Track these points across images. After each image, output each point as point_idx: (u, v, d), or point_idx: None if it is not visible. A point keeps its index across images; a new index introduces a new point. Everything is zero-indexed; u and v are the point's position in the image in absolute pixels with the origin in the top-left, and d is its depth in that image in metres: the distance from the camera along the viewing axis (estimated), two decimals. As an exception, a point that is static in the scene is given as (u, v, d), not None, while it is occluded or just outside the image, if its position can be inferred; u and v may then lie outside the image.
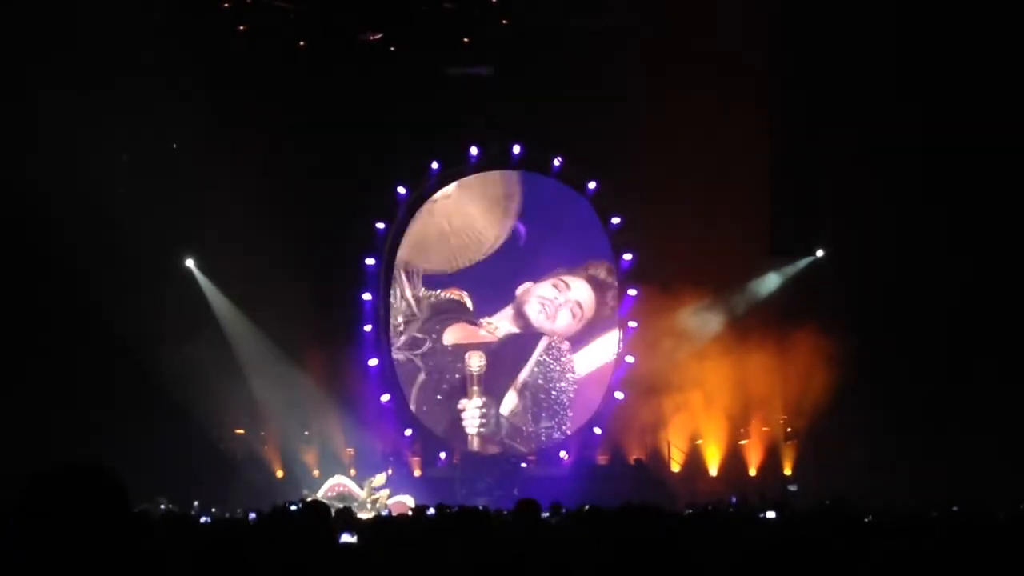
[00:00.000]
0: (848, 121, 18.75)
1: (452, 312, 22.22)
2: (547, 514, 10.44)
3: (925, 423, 18.57)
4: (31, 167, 17.03)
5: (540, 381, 21.86)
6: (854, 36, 18.36)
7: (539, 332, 21.95)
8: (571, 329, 22.00)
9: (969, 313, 18.66)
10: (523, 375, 21.80)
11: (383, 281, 22.28)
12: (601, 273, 22.13)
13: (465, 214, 22.44)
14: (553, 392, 21.89)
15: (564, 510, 10.94)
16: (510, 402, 21.76)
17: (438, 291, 22.25)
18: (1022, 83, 17.62)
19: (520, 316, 21.96)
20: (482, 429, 21.51)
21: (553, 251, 22.01)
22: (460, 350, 21.87)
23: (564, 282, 22.05)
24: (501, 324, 22.04)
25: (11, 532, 2.08)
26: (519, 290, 22.06)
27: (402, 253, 22.39)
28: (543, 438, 21.89)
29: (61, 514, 2.09)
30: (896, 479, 17.66)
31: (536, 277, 22.09)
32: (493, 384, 21.65)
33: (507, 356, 21.87)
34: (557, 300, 21.96)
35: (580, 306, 21.98)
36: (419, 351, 22.11)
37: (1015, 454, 17.07)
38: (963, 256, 18.42)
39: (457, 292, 22.23)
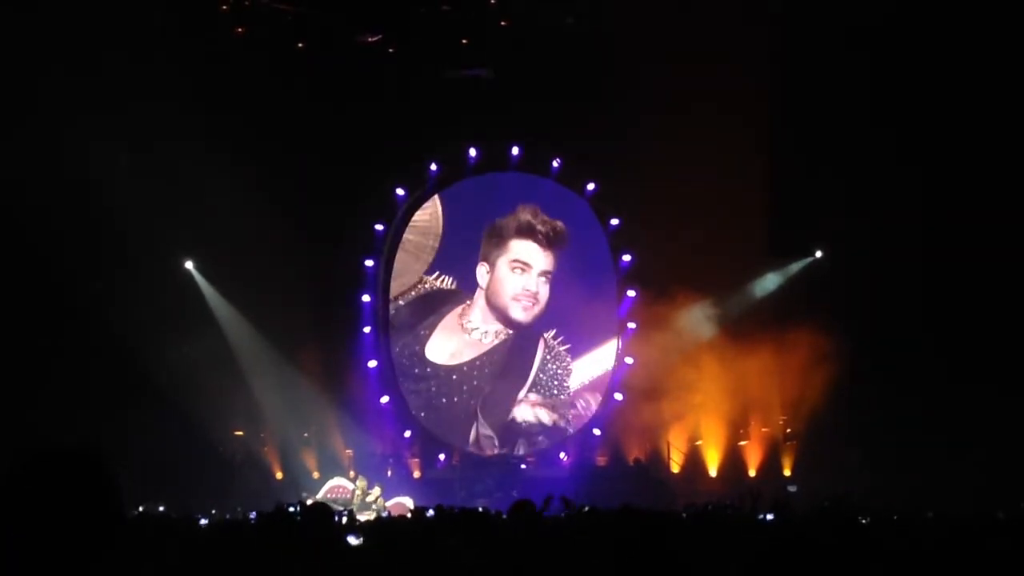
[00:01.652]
0: (848, 121, 18.77)
1: (435, 306, 22.15)
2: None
3: (923, 424, 18.56)
4: (31, 171, 17.09)
5: (544, 386, 21.88)
6: (854, 39, 18.39)
7: (534, 324, 21.82)
8: (549, 291, 21.72)
9: (968, 314, 18.68)
10: (528, 382, 21.81)
11: (382, 282, 22.27)
12: (529, 217, 21.65)
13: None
14: (556, 392, 21.94)
15: (563, 514, 10.95)
16: (521, 411, 21.78)
17: (423, 278, 22.19)
18: (1019, 85, 17.66)
19: (507, 319, 21.79)
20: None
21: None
22: (459, 370, 21.90)
23: (520, 263, 21.67)
24: (488, 328, 21.87)
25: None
26: (479, 277, 21.88)
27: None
28: (552, 437, 21.96)
29: (44, 500, 2.08)
30: (895, 480, 17.68)
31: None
32: (501, 396, 21.70)
33: (507, 364, 21.84)
34: (527, 286, 21.67)
35: (547, 273, 21.68)
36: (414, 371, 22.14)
37: (1014, 455, 17.09)
38: (962, 258, 18.45)
39: (438, 279, 22.20)
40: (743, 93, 18.39)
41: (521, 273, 21.66)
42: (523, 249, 21.64)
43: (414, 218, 22.43)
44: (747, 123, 18.54)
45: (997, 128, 18.11)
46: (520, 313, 21.66)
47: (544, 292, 21.68)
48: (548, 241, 21.59)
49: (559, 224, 21.70)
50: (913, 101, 18.40)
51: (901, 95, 18.50)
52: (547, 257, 21.66)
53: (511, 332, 21.86)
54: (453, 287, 22.02)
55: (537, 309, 21.69)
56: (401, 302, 22.20)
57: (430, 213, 22.42)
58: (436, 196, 22.43)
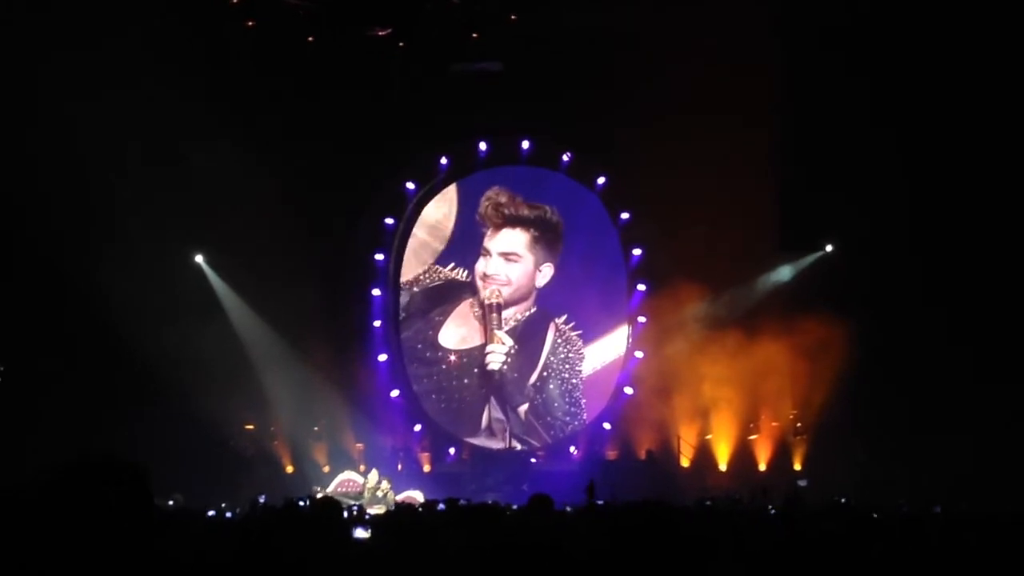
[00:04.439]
0: (857, 115, 18.71)
1: (449, 295, 22.27)
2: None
3: (934, 418, 18.50)
4: (39, 165, 17.15)
5: (555, 370, 21.99)
6: (860, 33, 18.33)
7: (525, 299, 22.00)
8: (529, 272, 21.92)
9: (981, 309, 18.61)
10: (538, 368, 21.90)
11: (392, 276, 22.33)
12: (482, 204, 21.96)
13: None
14: (567, 376, 22.05)
15: (569, 508, 10.95)
16: (528, 398, 21.87)
17: (435, 267, 22.32)
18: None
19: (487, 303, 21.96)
20: (504, 367, 21.68)
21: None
22: (470, 353, 22.03)
23: (483, 249, 21.98)
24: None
25: (36, 522, 2.13)
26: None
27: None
28: (566, 428, 22.01)
29: (84, 506, 2.13)
30: (905, 474, 17.65)
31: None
32: (510, 382, 21.81)
33: (518, 348, 21.94)
34: (487, 270, 21.89)
35: (508, 254, 21.94)
36: (426, 356, 22.26)
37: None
38: (976, 252, 18.40)
39: (450, 271, 22.31)
40: (753, 87, 18.35)
41: (484, 258, 21.96)
42: (485, 236, 22.03)
43: (428, 209, 22.57)
44: (757, 117, 18.50)
45: (1006, 120, 18.03)
46: (488, 297, 21.80)
47: (510, 271, 21.94)
48: (495, 223, 21.88)
49: (506, 204, 21.89)
50: (922, 95, 18.34)
51: (910, 90, 18.43)
52: (501, 237, 21.93)
53: (519, 318, 21.96)
54: (467, 279, 22.11)
55: (507, 290, 21.89)
56: (416, 289, 22.34)
57: (447, 201, 22.56)
58: (454, 186, 22.53)
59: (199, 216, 19.90)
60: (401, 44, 20.34)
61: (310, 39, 20.28)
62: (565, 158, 22.16)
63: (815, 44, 18.64)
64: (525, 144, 22.12)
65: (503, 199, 21.87)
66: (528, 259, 21.89)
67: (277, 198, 19.06)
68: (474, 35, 20.57)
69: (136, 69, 17.76)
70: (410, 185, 22.24)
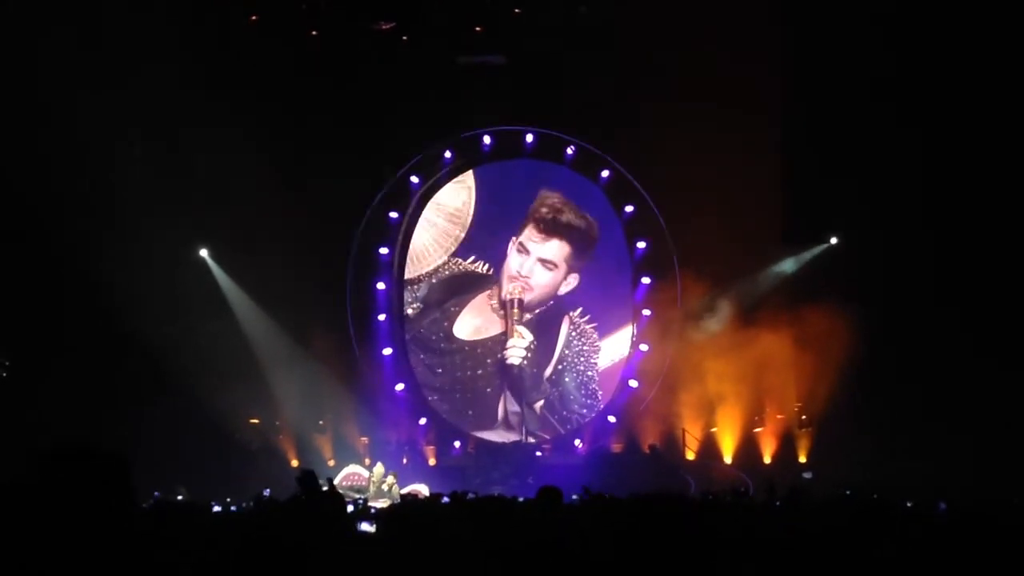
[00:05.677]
0: (862, 108, 18.68)
1: (467, 286, 22.28)
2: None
3: (939, 410, 18.48)
4: (42, 161, 17.15)
5: (570, 363, 22.03)
6: (870, 26, 18.28)
7: (545, 302, 22.01)
8: (557, 281, 21.94)
9: (986, 301, 18.56)
10: (553, 362, 21.94)
11: (396, 270, 22.33)
12: (538, 203, 21.94)
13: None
14: (582, 369, 22.09)
15: (577, 497, 10.97)
16: (544, 394, 21.92)
17: (455, 259, 22.34)
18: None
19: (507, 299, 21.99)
20: (524, 362, 21.68)
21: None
22: (484, 344, 22.06)
23: (522, 245, 21.95)
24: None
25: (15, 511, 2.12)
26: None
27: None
28: (582, 421, 22.03)
29: (62, 495, 2.12)
30: (910, 466, 17.62)
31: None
32: (528, 377, 21.83)
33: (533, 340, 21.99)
34: (520, 269, 21.89)
35: (547, 262, 21.93)
36: (439, 346, 22.26)
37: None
38: (981, 245, 18.37)
39: (470, 263, 22.32)
40: (758, 80, 18.32)
41: (520, 255, 21.93)
42: (528, 233, 21.97)
43: (445, 196, 22.57)
44: (761, 110, 18.48)
45: (1011, 113, 17.99)
46: (511, 292, 21.82)
47: (541, 277, 21.90)
48: (547, 229, 21.84)
49: (563, 212, 21.85)
50: (929, 86, 18.29)
51: (915, 80, 18.38)
52: (548, 245, 21.89)
53: (536, 311, 21.99)
54: (488, 272, 22.17)
55: (530, 294, 21.89)
56: (434, 280, 22.34)
57: (465, 190, 22.55)
58: (470, 173, 22.51)
59: (203, 210, 19.90)
60: (404, 38, 20.36)
61: (313, 33, 20.29)
62: (569, 151, 22.11)
63: (819, 35, 18.60)
64: (529, 137, 22.07)
65: (556, 202, 21.87)
66: (562, 269, 21.97)
67: (281, 192, 19.05)
68: (477, 28, 20.58)
69: (140, 62, 17.78)
70: (414, 179, 22.23)
